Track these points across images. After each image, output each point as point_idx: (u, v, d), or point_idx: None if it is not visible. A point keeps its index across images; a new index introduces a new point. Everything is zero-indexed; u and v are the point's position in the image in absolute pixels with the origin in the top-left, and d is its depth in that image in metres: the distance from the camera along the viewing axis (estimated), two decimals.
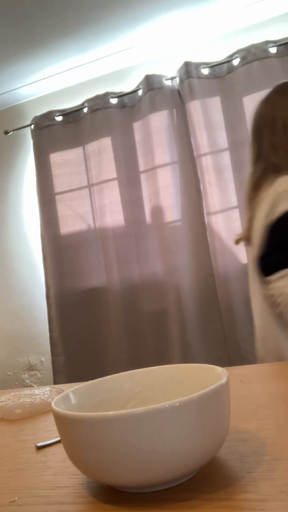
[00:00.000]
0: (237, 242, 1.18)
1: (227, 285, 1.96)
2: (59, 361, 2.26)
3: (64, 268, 2.27)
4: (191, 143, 2.06)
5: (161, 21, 2.01)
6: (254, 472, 0.40)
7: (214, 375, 0.46)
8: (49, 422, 0.70)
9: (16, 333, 2.54)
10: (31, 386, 2.49)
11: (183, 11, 1.97)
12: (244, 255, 1.97)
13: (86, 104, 2.26)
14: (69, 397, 0.48)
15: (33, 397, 0.82)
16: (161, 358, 2.06)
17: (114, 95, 2.21)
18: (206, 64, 2.06)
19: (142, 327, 2.13)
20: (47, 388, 0.91)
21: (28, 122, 2.40)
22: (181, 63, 2.07)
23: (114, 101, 2.22)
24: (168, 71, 2.14)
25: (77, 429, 0.39)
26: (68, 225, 2.28)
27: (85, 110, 2.27)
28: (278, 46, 1.94)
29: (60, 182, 2.30)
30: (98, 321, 2.19)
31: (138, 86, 2.18)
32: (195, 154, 2.04)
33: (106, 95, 2.21)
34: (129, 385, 0.54)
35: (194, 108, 2.03)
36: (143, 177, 2.17)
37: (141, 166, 2.17)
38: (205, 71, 2.06)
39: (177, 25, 2.06)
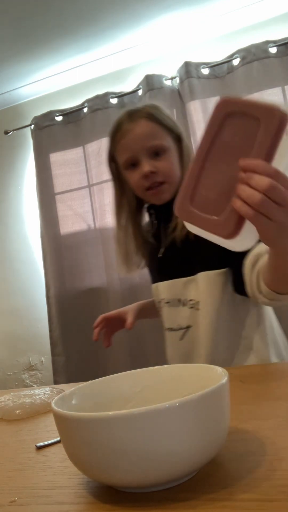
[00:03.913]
0: None
1: None
2: (59, 361, 2.26)
3: (64, 268, 2.27)
4: (191, 143, 2.06)
5: (161, 21, 2.01)
6: (254, 472, 0.40)
7: (214, 375, 0.46)
8: (49, 422, 0.70)
9: (16, 333, 2.54)
10: (31, 386, 2.49)
11: (183, 11, 1.96)
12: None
13: (86, 104, 2.26)
14: (69, 397, 0.48)
15: (33, 397, 0.82)
16: (161, 358, 2.06)
17: (114, 95, 2.21)
18: (206, 64, 2.06)
19: (142, 327, 2.13)
20: (47, 388, 0.91)
21: (28, 122, 2.40)
22: (181, 63, 2.07)
23: (114, 101, 2.22)
24: (168, 71, 2.14)
25: (77, 429, 0.39)
26: (68, 225, 2.28)
27: (85, 110, 2.27)
28: (278, 46, 1.94)
29: (60, 182, 2.30)
30: None
31: (138, 86, 2.18)
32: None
33: (106, 95, 2.21)
34: (129, 385, 0.54)
35: (194, 108, 2.03)
36: None
37: None
38: (205, 71, 2.06)
39: (177, 25, 2.06)
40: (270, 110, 0.49)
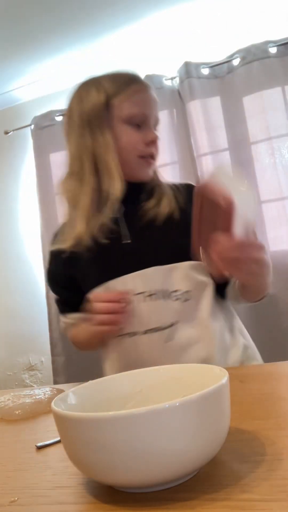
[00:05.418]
0: None
1: None
2: (59, 361, 2.26)
3: None
4: (191, 143, 2.06)
5: (161, 20, 2.01)
6: (254, 472, 0.40)
7: (214, 375, 0.46)
8: (49, 422, 0.70)
9: (16, 333, 2.53)
10: (31, 386, 2.49)
11: (183, 11, 1.96)
12: None
13: None
14: (69, 397, 0.48)
15: (33, 397, 0.82)
16: None
17: None
18: (206, 64, 2.06)
19: None
20: (47, 388, 0.91)
21: (28, 122, 2.40)
22: (181, 63, 2.06)
23: None
24: (168, 71, 2.14)
25: (77, 429, 0.39)
26: None
27: None
28: (278, 46, 1.94)
29: None
30: None
31: None
32: (195, 154, 2.04)
33: None
34: (129, 385, 0.54)
35: (194, 108, 2.03)
36: None
37: None
38: (205, 71, 2.06)
39: (177, 25, 2.06)
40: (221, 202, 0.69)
